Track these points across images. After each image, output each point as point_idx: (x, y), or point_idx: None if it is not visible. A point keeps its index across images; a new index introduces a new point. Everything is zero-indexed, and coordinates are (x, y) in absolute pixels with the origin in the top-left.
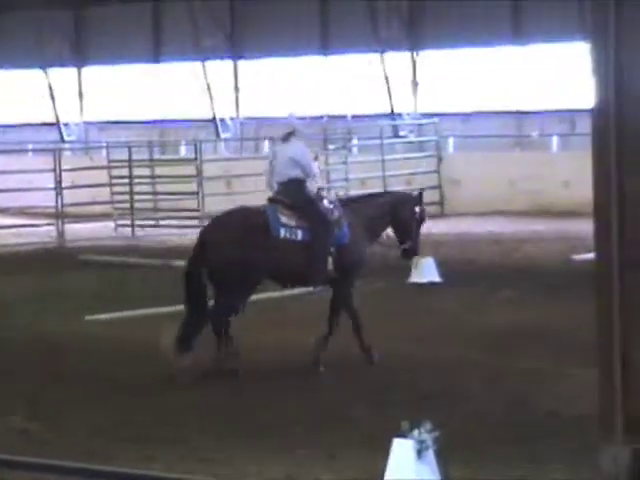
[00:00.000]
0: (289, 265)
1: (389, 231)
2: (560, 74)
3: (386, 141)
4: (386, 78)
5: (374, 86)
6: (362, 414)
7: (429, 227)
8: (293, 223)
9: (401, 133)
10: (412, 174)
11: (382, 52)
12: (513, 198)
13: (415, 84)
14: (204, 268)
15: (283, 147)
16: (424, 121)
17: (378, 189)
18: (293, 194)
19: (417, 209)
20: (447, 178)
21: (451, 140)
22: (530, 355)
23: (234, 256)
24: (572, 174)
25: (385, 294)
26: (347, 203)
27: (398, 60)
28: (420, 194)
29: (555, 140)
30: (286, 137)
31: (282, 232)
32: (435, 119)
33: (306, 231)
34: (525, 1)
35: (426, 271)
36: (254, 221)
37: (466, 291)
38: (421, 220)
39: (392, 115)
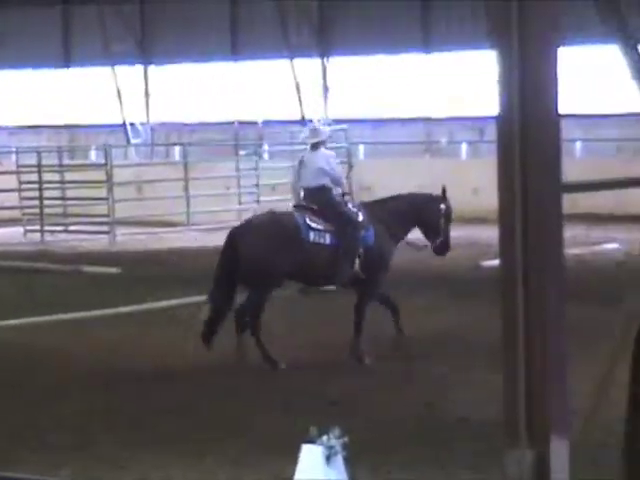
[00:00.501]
0: (317, 267)
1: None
2: (469, 82)
3: (297, 147)
4: (296, 84)
5: (285, 92)
6: (270, 420)
7: None
8: (321, 227)
9: None
10: None
11: (292, 58)
12: None
13: (325, 90)
14: (234, 267)
15: (312, 155)
16: (334, 127)
17: (289, 195)
18: (319, 200)
19: (442, 206)
20: (357, 185)
21: (361, 147)
22: (440, 361)
23: (266, 257)
24: (481, 181)
25: (294, 300)
26: (370, 206)
27: (308, 66)
28: (444, 192)
29: (464, 147)
30: (315, 146)
31: (312, 236)
32: (345, 126)
33: (333, 234)
34: (435, 9)
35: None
36: (285, 225)
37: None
38: (448, 216)
39: (303, 121)
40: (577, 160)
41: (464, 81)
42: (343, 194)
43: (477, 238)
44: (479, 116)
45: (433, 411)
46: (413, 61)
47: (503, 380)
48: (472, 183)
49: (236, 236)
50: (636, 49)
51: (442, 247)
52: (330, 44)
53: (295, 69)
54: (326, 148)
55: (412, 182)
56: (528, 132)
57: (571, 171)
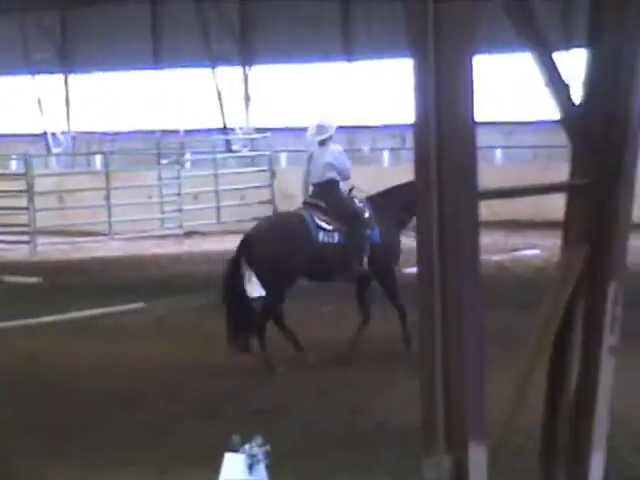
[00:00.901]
0: (327, 265)
1: None
2: (390, 89)
3: (219, 156)
4: (218, 92)
5: (207, 100)
6: (193, 429)
7: None
8: (330, 227)
9: (234, 147)
10: (245, 188)
11: (214, 66)
12: None
13: (247, 99)
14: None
15: (321, 151)
16: (257, 135)
17: (211, 204)
18: (327, 195)
19: None
20: (280, 192)
21: (284, 155)
22: (360, 367)
23: (281, 260)
24: None
25: (216, 308)
26: (375, 200)
27: (230, 74)
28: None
29: (386, 154)
30: (323, 142)
31: (321, 236)
32: (268, 133)
33: (342, 233)
34: (355, 17)
35: (259, 285)
36: (296, 226)
37: (291, 305)
38: None
39: (225, 130)
40: (496, 167)
41: (385, 88)
42: (350, 189)
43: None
44: (401, 123)
45: (357, 417)
46: (335, 69)
47: (420, 386)
48: None
49: (251, 240)
50: (550, 57)
51: None
52: (252, 52)
53: (217, 77)
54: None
55: None
56: (444, 140)
57: (491, 178)
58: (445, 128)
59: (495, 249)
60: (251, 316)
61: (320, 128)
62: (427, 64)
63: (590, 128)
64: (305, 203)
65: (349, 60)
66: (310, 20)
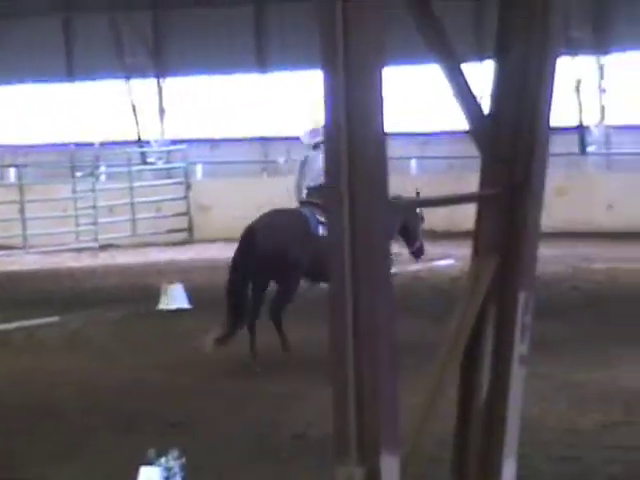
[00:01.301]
0: (324, 262)
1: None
2: (304, 100)
3: (134, 168)
4: (133, 105)
5: (121, 113)
6: (109, 442)
7: (177, 254)
8: None
9: (149, 160)
10: (161, 201)
11: (128, 79)
12: None
13: (162, 111)
14: (250, 264)
15: (316, 154)
16: (172, 148)
17: (127, 216)
18: (313, 197)
19: (419, 210)
20: (196, 204)
21: (199, 166)
22: (277, 378)
23: (291, 251)
24: None
25: (132, 322)
26: None
27: (144, 87)
28: (417, 194)
29: None
30: (317, 145)
31: (321, 230)
32: (183, 145)
33: None
34: (269, 29)
35: (175, 298)
36: (297, 219)
37: (215, 317)
38: (422, 220)
39: (140, 142)
40: (411, 177)
41: (299, 99)
42: None
43: None
44: None
45: (275, 428)
46: (248, 80)
47: (333, 396)
48: None
49: (256, 232)
50: (459, 68)
51: (420, 251)
52: (166, 64)
53: (131, 90)
54: None
55: (251, 201)
56: (355, 150)
57: (406, 188)
58: (356, 139)
59: (411, 259)
60: (246, 312)
61: (314, 132)
62: (337, 75)
63: (499, 139)
64: (302, 202)
65: (263, 72)
66: (224, 32)
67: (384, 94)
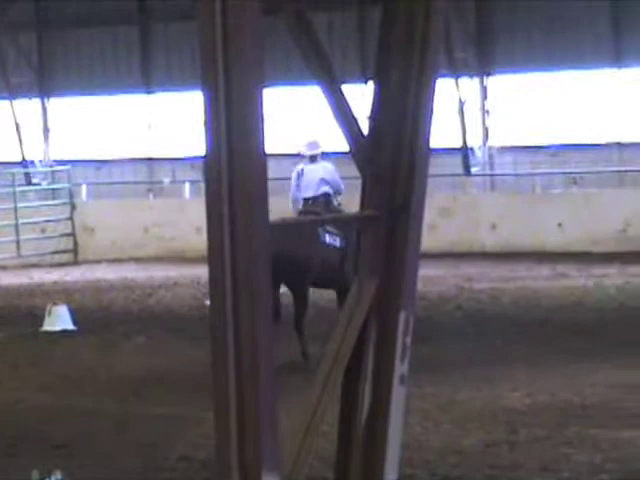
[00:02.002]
0: (329, 269)
1: None
2: (189, 121)
3: (18, 189)
4: (17, 125)
5: (5, 133)
6: None
7: (62, 275)
8: (334, 230)
9: (34, 180)
10: (46, 222)
11: (12, 99)
12: (147, 244)
13: (46, 131)
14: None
15: (312, 167)
16: (57, 168)
17: (11, 237)
18: (323, 207)
19: None
20: (81, 225)
21: (84, 187)
22: (163, 401)
23: (304, 256)
24: (204, 220)
25: (15, 343)
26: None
27: (29, 107)
28: (339, 204)
29: (187, 186)
30: (314, 158)
31: (326, 238)
32: (68, 166)
33: (343, 239)
34: (154, 50)
35: (59, 319)
36: (307, 226)
37: (100, 338)
38: None
39: (24, 162)
40: None
41: (185, 121)
42: (338, 204)
43: (201, 277)
44: (201, 155)
45: (159, 450)
46: (134, 101)
47: (215, 419)
48: (195, 222)
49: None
50: (338, 89)
51: None
52: (50, 84)
53: (15, 110)
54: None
55: (136, 222)
56: (235, 172)
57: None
58: (236, 159)
59: None
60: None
61: (311, 145)
62: (217, 96)
63: (379, 160)
64: (303, 212)
65: (148, 92)
66: (109, 52)
67: (265, 115)
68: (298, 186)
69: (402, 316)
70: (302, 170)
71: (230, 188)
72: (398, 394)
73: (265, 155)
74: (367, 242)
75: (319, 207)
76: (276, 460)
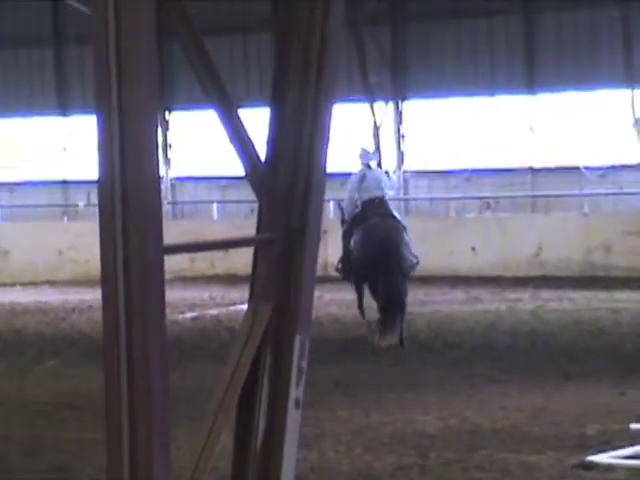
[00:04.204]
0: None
1: None
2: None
3: None
4: None
5: None
6: None
7: None
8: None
9: None
10: None
11: None
12: (62, 267)
13: None
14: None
15: (370, 172)
16: None
17: None
18: (385, 208)
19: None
20: None
21: None
22: (74, 425)
23: (403, 251)
24: None
25: None
26: None
27: None
28: None
29: None
30: (369, 166)
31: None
32: None
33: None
34: (69, 72)
35: None
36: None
37: (11, 362)
38: None
39: None
40: (214, 221)
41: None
42: None
43: None
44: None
45: (65, 474)
46: (49, 124)
47: (107, 444)
48: None
49: (387, 236)
50: (234, 113)
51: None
52: None
53: None
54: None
55: (51, 245)
56: (129, 196)
57: (209, 233)
58: (129, 185)
59: (213, 303)
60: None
61: (368, 154)
62: (110, 121)
63: (275, 184)
64: (372, 207)
65: (64, 115)
66: (24, 74)
67: (176, 138)
68: (359, 188)
69: (298, 340)
70: (364, 175)
71: (124, 213)
72: (293, 419)
73: (159, 180)
74: (263, 265)
75: (382, 210)
76: None
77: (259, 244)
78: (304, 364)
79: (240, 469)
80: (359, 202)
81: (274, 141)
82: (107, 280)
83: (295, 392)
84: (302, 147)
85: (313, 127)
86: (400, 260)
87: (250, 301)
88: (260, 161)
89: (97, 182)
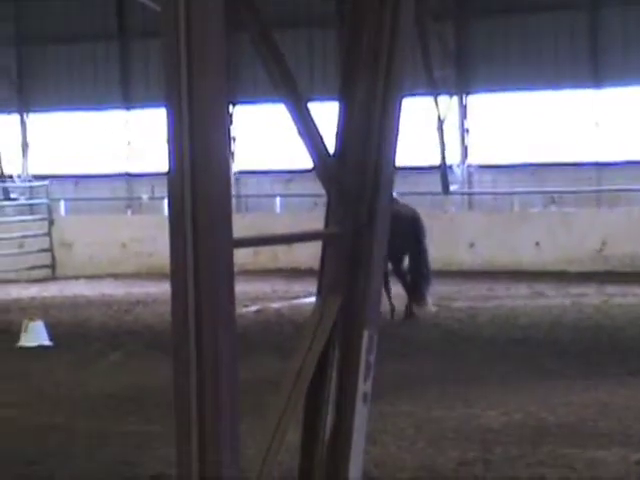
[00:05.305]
0: None
1: None
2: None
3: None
4: None
5: None
6: None
7: (39, 290)
8: None
9: (12, 196)
10: (23, 237)
11: None
12: (125, 260)
13: (25, 146)
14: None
15: None
16: (35, 184)
17: None
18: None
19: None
20: (59, 241)
21: (62, 203)
22: (138, 418)
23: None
24: None
25: None
26: None
27: (8, 122)
28: None
29: (166, 202)
30: None
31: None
32: (46, 182)
33: None
34: (134, 66)
35: (36, 334)
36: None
37: (76, 354)
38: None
39: (2, 178)
40: (276, 215)
41: (159, 137)
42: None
43: None
44: None
45: (130, 468)
46: (113, 117)
47: (176, 435)
48: None
49: (418, 221)
50: (304, 107)
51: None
52: (30, 100)
53: None
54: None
55: (114, 238)
56: (199, 189)
57: (271, 226)
58: (199, 178)
59: (276, 297)
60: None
61: None
62: (181, 114)
63: (344, 178)
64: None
65: (128, 108)
66: (89, 68)
67: (239, 132)
68: None
69: (366, 334)
70: None
71: (193, 205)
72: (361, 413)
73: (229, 172)
74: (331, 259)
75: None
76: (236, 477)
77: (328, 238)
78: (372, 359)
79: (308, 463)
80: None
81: (343, 135)
82: (177, 273)
83: (363, 387)
84: (371, 141)
85: (382, 121)
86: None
87: (318, 295)
88: (329, 154)
89: (167, 174)
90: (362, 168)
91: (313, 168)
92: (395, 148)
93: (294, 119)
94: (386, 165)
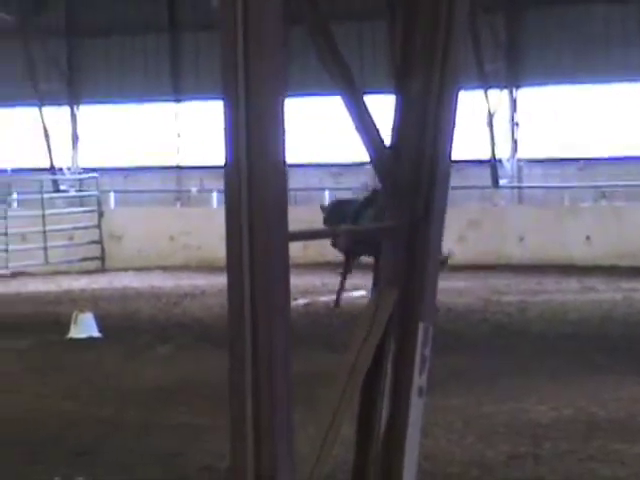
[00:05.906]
0: None
1: None
2: (217, 131)
3: (46, 195)
4: (46, 132)
5: (34, 140)
6: (13, 473)
7: (89, 282)
8: None
9: (62, 187)
10: (73, 229)
11: (41, 105)
12: (174, 253)
13: (75, 138)
14: None
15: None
16: (85, 176)
17: (39, 244)
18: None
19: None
20: (108, 233)
21: (112, 195)
22: (187, 410)
23: None
24: None
25: (41, 350)
26: None
27: (58, 114)
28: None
29: (215, 195)
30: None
31: None
32: (96, 174)
33: None
34: (183, 57)
35: (85, 326)
36: None
37: (125, 346)
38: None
39: (52, 169)
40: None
41: (215, 129)
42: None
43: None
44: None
45: (180, 459)
46: (163, 109)
47: (231, 428)
48: (223, 231)
49: None
50: (360, 100)
51: None
52: (80, 92)
53: (44, 116)
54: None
55: (163, 230)
56: (255, 182)
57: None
58: (256, 169)
59: (325, 290)
60: None
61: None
62: (238, 106)
63: (400, 171)
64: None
65: (177, 100)
66: (139, 60)
67: (287, 125)
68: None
69: (422, 327)
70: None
71: (250, 198)
72: (416, 406)
73: (285, 165)
74: (387, 252)
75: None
76: (291, 471)
77: (384, 232)
78: (427, 352)
79: (363, 456)
80: None
81: (399, 128)
82: (233, 265)
83: (418, 380)
84: (427, 134)
85: (438, 114)
86: None
87: (374, 288)
88: (385, 147)
89: (224, 167)
90: (418, 161)
91: (370, 160)
92: (451, 142)
93: (350, 111)
94: (442, 158)
